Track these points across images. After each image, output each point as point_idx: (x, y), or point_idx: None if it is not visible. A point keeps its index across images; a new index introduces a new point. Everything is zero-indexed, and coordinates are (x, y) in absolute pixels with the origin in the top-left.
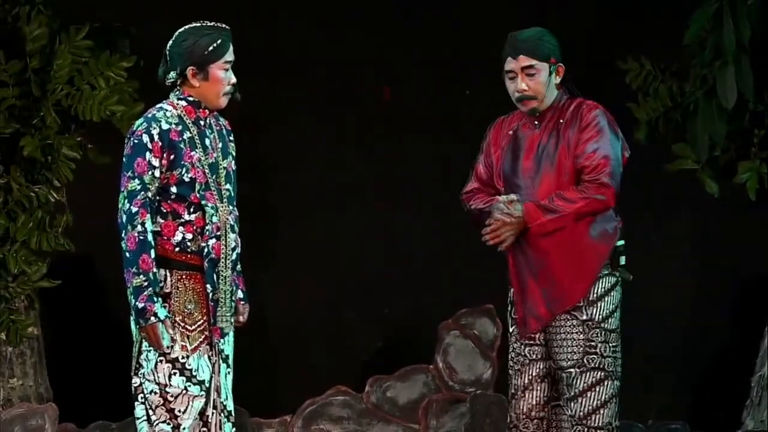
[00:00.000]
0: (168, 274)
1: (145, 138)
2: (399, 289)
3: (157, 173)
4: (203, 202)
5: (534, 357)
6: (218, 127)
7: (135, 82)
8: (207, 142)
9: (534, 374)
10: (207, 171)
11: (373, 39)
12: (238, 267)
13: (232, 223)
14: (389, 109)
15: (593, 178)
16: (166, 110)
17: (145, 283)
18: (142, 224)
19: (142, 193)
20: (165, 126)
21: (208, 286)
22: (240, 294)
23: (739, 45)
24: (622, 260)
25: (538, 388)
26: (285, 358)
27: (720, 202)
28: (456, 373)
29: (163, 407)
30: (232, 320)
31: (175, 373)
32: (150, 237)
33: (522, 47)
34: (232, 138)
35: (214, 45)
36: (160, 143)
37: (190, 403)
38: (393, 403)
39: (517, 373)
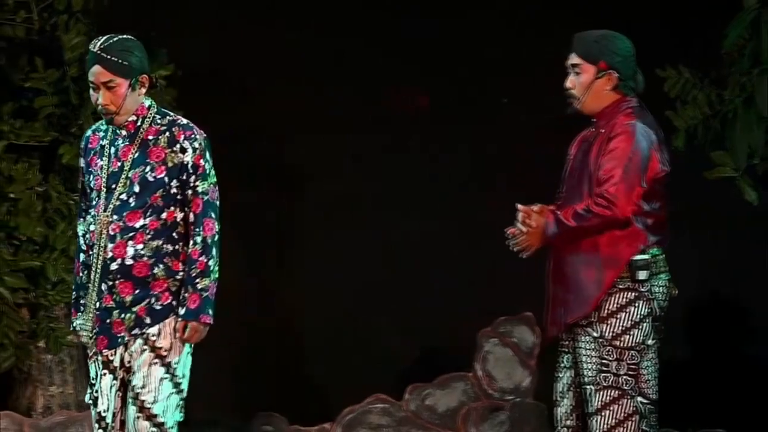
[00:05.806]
0: None
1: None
2: (438, 297)
3: (85, 177)
4: (91, 211)
5: (567, 365)
6: (147, 136)
7: (173, 90)
8: (113, 150)
9: (567, 382)
10: (105, 179)
11: (386, 50)
12: (201, 284)
13: (112, 233)
14: (423, 117)
15: (598, 192)
16: None
17: (73, 287)
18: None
19: (80, 197)
20: (88, 133)
21: (80, 291)
22: (180, 310)
23: None
24: (642, 275)
25: (571, 396)
26: (324, 366)
27: (759, 210)
28: (495, 381)
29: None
30: (91, 331)
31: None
32: (81, 241)
33: (576, 45)
34: (177, 147)
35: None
36: (82, 149)
37: (91, 406)
38: (432, 410)
39: (556, 380)
